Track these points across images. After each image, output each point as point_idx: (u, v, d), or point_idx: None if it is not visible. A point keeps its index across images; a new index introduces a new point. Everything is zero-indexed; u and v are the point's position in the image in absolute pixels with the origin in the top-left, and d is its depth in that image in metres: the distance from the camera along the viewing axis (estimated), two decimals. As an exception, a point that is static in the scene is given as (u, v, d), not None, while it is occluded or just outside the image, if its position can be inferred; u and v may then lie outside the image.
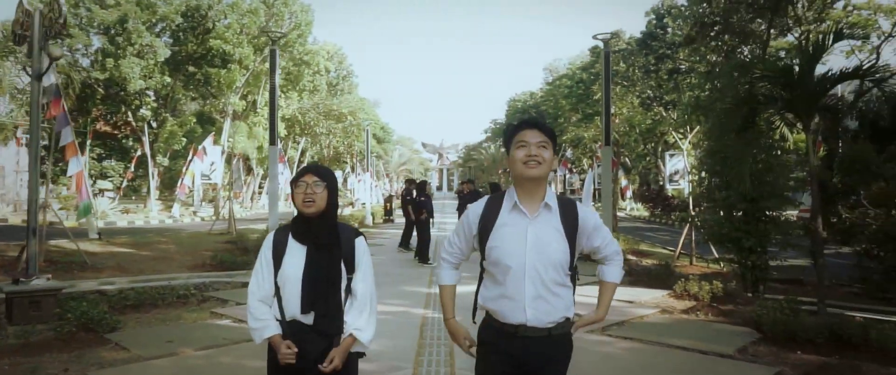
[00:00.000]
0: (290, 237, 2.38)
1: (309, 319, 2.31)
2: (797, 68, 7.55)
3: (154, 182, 30.32)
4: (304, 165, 2.24)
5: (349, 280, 2.38)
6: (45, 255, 10.35)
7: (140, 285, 7.87)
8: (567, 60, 46.21)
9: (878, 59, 18.78)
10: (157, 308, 6.89)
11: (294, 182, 2.37)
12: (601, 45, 11.36)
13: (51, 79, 8.36)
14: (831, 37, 7.60)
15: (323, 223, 2.35)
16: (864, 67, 7.31)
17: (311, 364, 2.28)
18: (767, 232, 8.16)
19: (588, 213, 2.25)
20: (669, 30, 22.55)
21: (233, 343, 5.32)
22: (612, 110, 25.96)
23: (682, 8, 19.53)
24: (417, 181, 13.14)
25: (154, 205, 29.76)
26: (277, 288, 2.36)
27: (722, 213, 8.86)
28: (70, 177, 12.68)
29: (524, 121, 2.27)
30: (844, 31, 8.50)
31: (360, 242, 2.44)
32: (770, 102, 7.64)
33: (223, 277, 9.22)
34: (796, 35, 20.74)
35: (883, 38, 20.72)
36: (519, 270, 2.12)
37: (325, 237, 2.34)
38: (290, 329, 2.32)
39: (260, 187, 38.81)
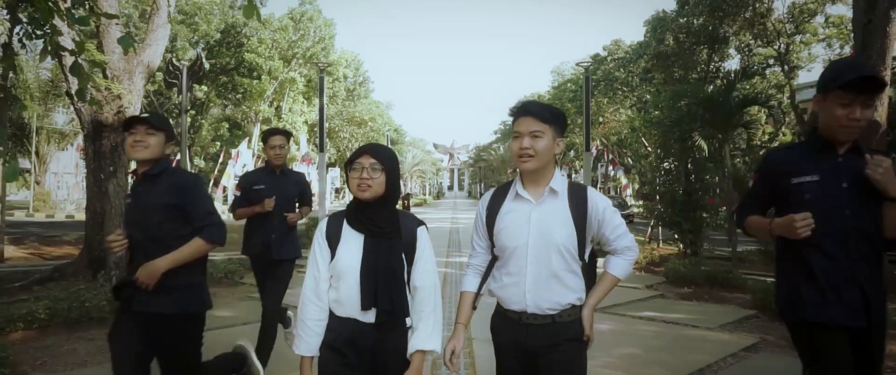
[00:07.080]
0: (345, 224, 2.10)
1: (369, 317, 2.02)
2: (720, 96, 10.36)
3: (191, 182, 33.34)
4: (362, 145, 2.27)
5: (408, 274, 2.10)
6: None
7: (235, 256, 10.80)
8: (573, 63, 47.86)
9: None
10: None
11: (349, 164, 2.10)
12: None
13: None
14: (741, 73, 10.39)
15: (381, 209, 2.07)
16: (762, 95, 10.11)
17: (368, 363, 2.04)
18: (702, 218, 10.89)
19: (598, 198, 2.14)
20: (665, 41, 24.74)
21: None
22: (610, 114, 28.54)
23: (674, 22, 21.68)
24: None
25: (191, 203, 32.74)
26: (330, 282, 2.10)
27: (668, 203, 11.58)
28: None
29: (518, 107, 2.13)
30: (750, 69, 11.25)
31: (421, 231, 2.15)
32: (695, 120, 10.39)
33: (290, 253, 12.12)
34: (776, 47, 23.43)
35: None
36: (522, 251, 2.09)
37: (385, 225, 2.06)
38: (348, 327, 2.04)
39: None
